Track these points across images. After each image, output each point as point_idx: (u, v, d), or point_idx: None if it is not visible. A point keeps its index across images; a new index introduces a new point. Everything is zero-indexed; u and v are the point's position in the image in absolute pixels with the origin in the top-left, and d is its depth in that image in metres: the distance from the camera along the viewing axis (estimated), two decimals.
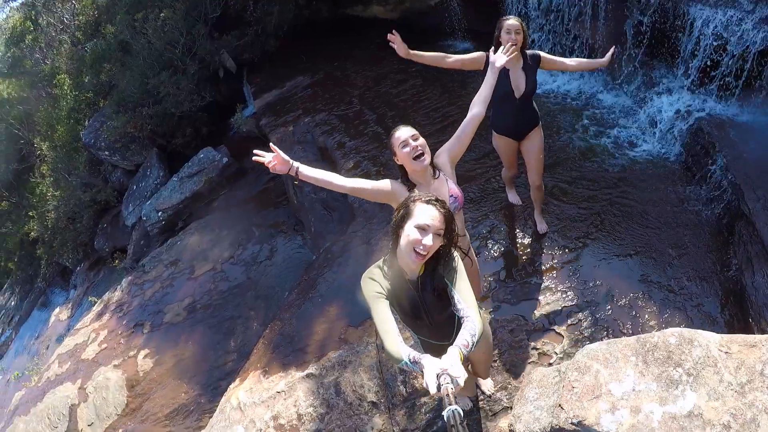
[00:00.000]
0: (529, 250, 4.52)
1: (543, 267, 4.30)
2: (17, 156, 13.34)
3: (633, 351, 2.27)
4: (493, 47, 3.49)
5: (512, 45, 3.38)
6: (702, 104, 5.30)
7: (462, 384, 1.70)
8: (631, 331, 3.65)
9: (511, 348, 3.74)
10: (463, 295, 2.10)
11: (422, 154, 2.66)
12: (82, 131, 10.36)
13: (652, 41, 5.67)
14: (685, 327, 3.40)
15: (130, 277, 7.48)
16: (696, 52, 5.11)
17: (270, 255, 6.52)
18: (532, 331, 3.82)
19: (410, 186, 2.70)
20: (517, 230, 4.72)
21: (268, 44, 9.41)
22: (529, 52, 3.77)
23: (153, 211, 8.44)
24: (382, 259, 2.22)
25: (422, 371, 1.78)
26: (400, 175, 2.75)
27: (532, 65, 3.78)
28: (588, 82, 6.65)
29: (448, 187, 2.88)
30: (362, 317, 4.27)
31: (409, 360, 1.87)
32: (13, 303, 13.41)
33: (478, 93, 2.95)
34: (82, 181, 10.48)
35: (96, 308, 7.43)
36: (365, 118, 7.24)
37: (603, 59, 3.85)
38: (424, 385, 1.72)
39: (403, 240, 2.06)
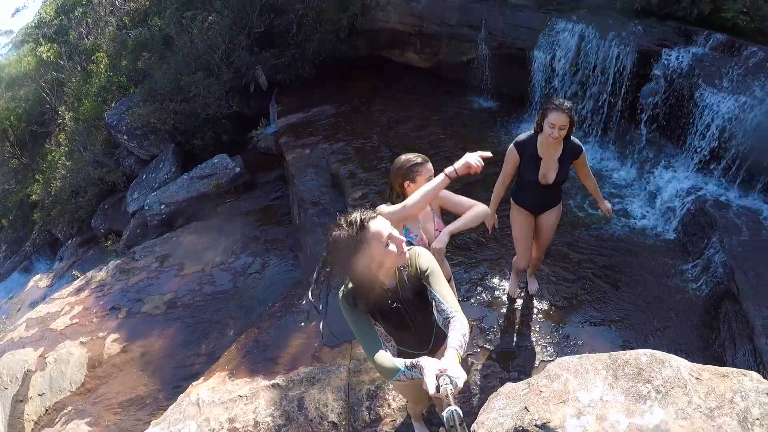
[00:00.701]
0: (516, 302, 4.60)
1: (527, 320, 4.38)
2: (39, 119, 13.47)
3: (604, 365, 2.27)
4: (534, 130, 3.60)
5: (552, 138, 3.42)
6: (703, 186, 5.60)
7: (461, 385, 1.70)
8: None
9: (482, 392, 3.77)
10: (444, 296, 2.10)
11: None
12: (107, 111, 10.55)
13: (664, 122, 6.02)
14: None
15: (118, 261, 7.50)
16: (705, 135, 5.44)
17: (261, 269, 6.56)
18: (505, 379, 3.81)
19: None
20: (508, 282, 4.80)
21: (303, 69, 9.67)
22: (573, 140, 3.59)
23: (156, 203, 8.51)
24: (349, 278, 2.15)
25: (421, 374, 1.78)
26: (398, 195, 2.85)
27: (569, 156, 3.61)
28: (598, 153, 6.88)
29: (434, 222, 2.99)
30: (340, 340, 4.31)
31: (407, 367, 1.89)
32: None
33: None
34: (95, 158, 10.59)
35: (77, 283, 7.42)
36: (380, 154, 7.40)
37: (605, 205, 3.92)
38: (424, 386, 1.72)
39: (388, 260, 2.03)
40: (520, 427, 2.08)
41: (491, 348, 4.13)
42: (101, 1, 13.89)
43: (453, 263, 5.09)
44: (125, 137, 10.07)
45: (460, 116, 8.37)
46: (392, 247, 2.01)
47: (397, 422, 3.60)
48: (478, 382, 3.84)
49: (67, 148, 11.35)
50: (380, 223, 1.99)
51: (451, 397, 1.62)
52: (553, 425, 2.02)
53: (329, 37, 9.45)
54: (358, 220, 1.96)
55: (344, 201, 6.56)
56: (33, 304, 8.36)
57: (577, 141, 3.59)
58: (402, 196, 2.82)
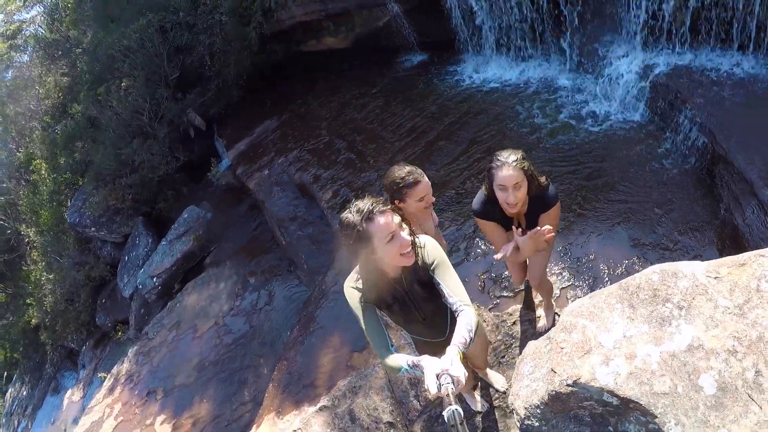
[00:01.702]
0: None
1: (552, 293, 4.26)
2: (6, 247, 13.32)
3: (617, 298, 2.13)
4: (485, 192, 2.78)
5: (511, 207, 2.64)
6: (656, 60, 5.45)
7: (463, 383, 1.70)
8: None
9: (516, 340, 3.78)
10: (451, 287, 2.07)
11: (429, 206, 2.72)
12: (66, 212, 10.42)
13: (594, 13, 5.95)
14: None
15: (135, 347, 7.47)
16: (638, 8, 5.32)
17: (269, 300, 6.56)
18: (533, 319, 3.85)
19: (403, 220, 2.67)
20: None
21: (231, 96, 9.56)
22: (546, 195, 2.73)
23: (148, 278, 8.45)
24: (356, 267, 2.15)
25: (422, 373, 1.78)
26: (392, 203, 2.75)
27: (540, 210, 2.79)
28: (546, 69, 6.85)
29: (432, 217, 2.95)
30: (364, 341, 4.30)
31: (409, 365, 1.88)
32: (24, 393, 13.23)
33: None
34: (73, 261, 10.48)
35: (106, 383, 7.40)
36: (336, 147, 7.37)
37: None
38: (425, 386, 1.71)
39: (388, 257, 1.99)
40: (553, 391, 2.01)
41: (510, 295, 4.13)
42: (17, 111, 13.61)
43: (442, 225, 5.09)
44: (93, 229, 9.96)
45: (397, 80, 8.33)
46: (394, 245, 1.95)
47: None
48: (511, 332, 3.84)
49: (43, 263, 11.23)
50: (388, 217, 1.94)
51: (452, 397, 1.61)
52: (584, 380, 1.94)
53: (243, 54, 9.29)
54: (367, 209, 1.91)
55: (319, 205, 6.55)
56: (75, 421, 8.34)
57: (551, 191, 2.76)
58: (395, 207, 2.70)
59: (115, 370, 7.51)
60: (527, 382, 2.17)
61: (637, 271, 3.75)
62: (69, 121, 10.86)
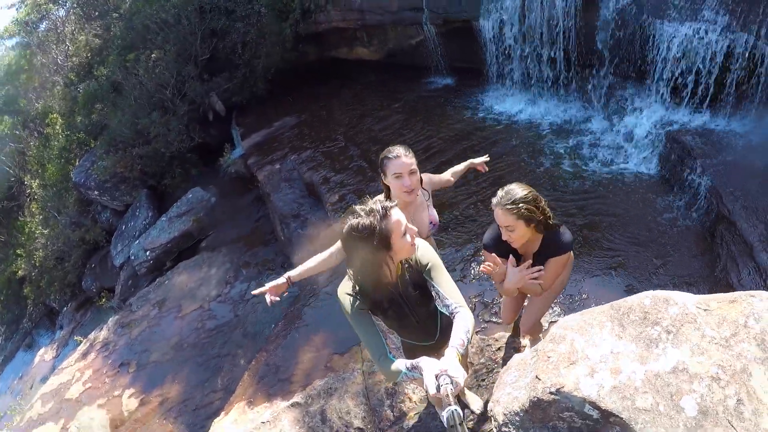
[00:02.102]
0: None
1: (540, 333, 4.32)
2: (7, 193, 13.32)
3: (608, 317, 2.17)
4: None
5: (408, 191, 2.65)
6: (674, 117, 5.63)
7: (462, 383, 1.70)
8: None
9: (498, 366, 3.75)
10: (447, 289, 2.07)
11: (412, 191, 2.66)
12: (73, 170, 10.45)
13: (622, 61, 6.03)
14: None
15: (117, 317, 7.43)
16: (665, 68, 5.46)
17: None
18: (519, 348, 3.83)
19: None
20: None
21: (256, 87, 9.63)
22: (559, 237, 2.63)
23: (141, 251, 8.44)
24: (348, 273, 2.14)
25: (421, 374, 1.78)
26: (384, 190, 2.76)
27: (550, 255, 2.67)
28: (567, 109, 6.92)
29: (429, 213, 2.91)
30: (348, 344, 4.31)
31: (407, 369, 1.88)
32: None
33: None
34: (71, 221, 10.48)
35: (81, 347, 7.35)
36: (350, 153, 7.40)
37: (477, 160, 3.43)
38: (424, 387, 1.71)
39: (404, 251, 2.02)
40: (535, 397, 2.02)
41: (499, 321, 4.13)
42: (43, 62, 13.69)
43: (442, 244, 5.13)
44: (96, 192, 9.97)
45: (420, 99, 8.39)
46: (408, 237, 2.00)
47: (422, 412, 3.61)
48: (494, 357, 3.84)
49: (41, 216, 11.23)
50: (399, 212, 1.98)
51: (451, 397, 1.61)
52: (567, 389, 1.96)
53: (276, 49, 9.40)
54: (380, 208, 1.93)
55: (323, 208, 6.56)
56: (44, 379, 8.29)
57: (565, 238, 2.62)
58: (386, 191, 2.73)
59: (92, 335, 7.46)
60: (509, 390, 2.19)
61: None
62: (93, 82, 10.93)
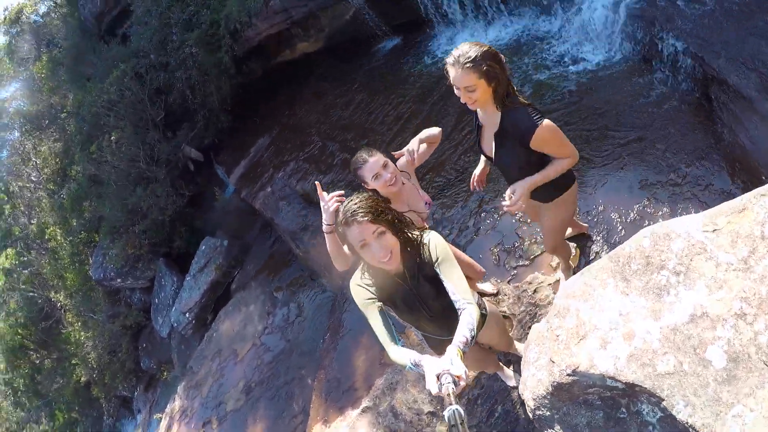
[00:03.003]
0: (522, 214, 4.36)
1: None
2: (40, 315, 13.57)
3: (609, 272, 1.93)
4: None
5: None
6: None
7: (464, 383, 1.67)
8: None
9: (539, 308, 3.68)
10: (455, 284, 2.03)
11: (396, 181, 2.62)
12: (89, 270, 10.57)
13: None
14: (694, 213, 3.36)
15: (183, 383, 7.58)
16: None
17: (299, 312, 6.60)
18: (554, 283, 3.75)
19: (385, 201, 2.46)
20: (505, 194, 4.70)
21: (220, 122, 9.59)
22: (519, 115, 2.35)
23: (180, 315, 8.57)
24: (361, 266, 2.15)
25: (423, 372, 1.76)
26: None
27: (511, 136, 2.44)
28: (518, 23, 6.73)
29: (420, 195, 2.86)
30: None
31: (412, 364, 1.87)
32: None
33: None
34: (107, 315, 10.66)
35: (163, 423, 7.54)
36: (329, 150, 7.38)
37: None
38: (426, 387, 1.70)
39: (369, 262, 2.04)
40: (554, 382, 1.89)
41: (526, 263, 4.02)
42: (21, 185, 13.79)
43: (446, 205, 5.06)
44: (119, 280, 10.10)
45: (375, 70, 8.30)
46: (368, 252, 1.98)
47: (482, 380, 3.58)
48: (532, 301, 3.76)
49: (79, 323, 11.42)
50: (360, 228, 1.95)
51: (452, 396, 1.59)
52: (583, 368, 1.80)
53: (222, 80, 9.30)
54: (344, 213, 1.98)
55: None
56: None
57: (528, 118, 2.34)
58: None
59: (168, 408, 7.64)
60: (533, 371, 2.04)
61: (651, 213, 3.70)
62: (72, 184, 11.02)
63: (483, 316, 2.50)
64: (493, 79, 2.27)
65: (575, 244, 3.83)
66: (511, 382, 3.43)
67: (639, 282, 1.84)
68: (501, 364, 3.46)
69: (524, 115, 2.34)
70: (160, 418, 7.94)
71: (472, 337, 1.89)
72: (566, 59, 5.68)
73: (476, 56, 2.22)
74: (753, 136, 3.59)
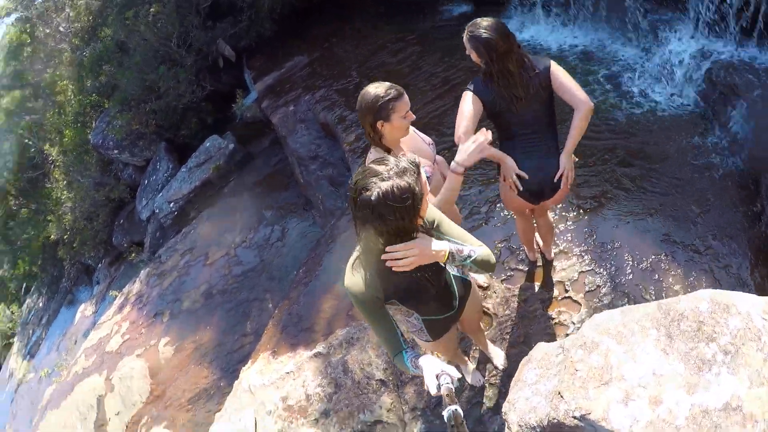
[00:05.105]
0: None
1: (557, 229, 3.84)
2: (30, 164, 13.20)
3: (654, 321, 1.71)
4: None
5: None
6: (716, 47, 4.75)
7: (457, 381, 1.61)
8: (654, 297, 3.22)
9: (524, 318, 3.37)
10: (461, 238, 1.87)
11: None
12: (90, 133, 10.12)
13: None
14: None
15: (147, 269, 7.28)
16: None
17: (282, 236, 6.25)
18: (546, 300, 3.43)
19: (386, 150, 2.31)
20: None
21: (263, 28, 8.98)
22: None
23: (165, 203, 8.20)
24: (354, 258, 1.81)
25: (422, 373, 1.68)
26: (375, 142, 2.33)
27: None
28: (593, 34, 6.20)
29: (421, 137, 2.54)
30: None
31: (412, 366, 1.75)
32: (41, 304, 13.36)
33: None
34: (94, 182, 10.27)
35: (117, 301, 7.27)
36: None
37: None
38: (425, 386, 1.63)
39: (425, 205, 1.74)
40: (555, 419, 1.67)
41: (525, 268, 3.68)
42: (47, 32, 13.13)
43: (464, 185, 4.63)
44: (115, 151, 9.67)
45: (436, 29, 7.72)
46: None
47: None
48: (519, 309, 3.44)
49: (65, 182, 11.03)
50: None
51: (452, 396, 1.54)
52: (594, 417, 1.58)
53: None
54: (411, 164, 1.64)
55: (341, 148, 6.12)
56: (86, 334, 8.26)
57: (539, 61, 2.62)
58: (374, 135, 2.28)
59: (126, 289, 7.36)
60: (527, 394, 1.83)
61: (663, 269, 3.37)
62: (98, 45, 10.44)
63: (469, 285, 2.26)
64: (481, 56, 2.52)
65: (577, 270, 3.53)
66: (470, 379, 3.15)
67: (684, 345, 1.64)
68: (465, 357, 3.18)
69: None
70: (116, 296, 7.65)
71: (469, 258, 1.79)
72: (632, 88, 5.13)
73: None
74: None
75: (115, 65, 9.75)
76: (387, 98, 2.19)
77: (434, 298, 1.99)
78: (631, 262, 3.51)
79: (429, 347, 2.33)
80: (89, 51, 10.71)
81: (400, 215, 1.57)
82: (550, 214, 3.76)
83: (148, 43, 8.89)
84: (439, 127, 5.36)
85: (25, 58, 13.74)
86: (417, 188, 1.58)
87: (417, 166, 1.63)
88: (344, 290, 1.83)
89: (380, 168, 1.58)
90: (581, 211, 3.94)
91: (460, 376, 1.63)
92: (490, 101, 2.56)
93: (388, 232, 1.63)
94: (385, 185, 1.54)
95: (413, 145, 2.47)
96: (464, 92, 2.60)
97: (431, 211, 1.85)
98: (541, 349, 1.98)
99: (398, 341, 1.81)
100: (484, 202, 4.34)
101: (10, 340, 14.54)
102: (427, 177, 2.31)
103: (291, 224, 6.36)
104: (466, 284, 2.17)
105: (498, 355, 3.18)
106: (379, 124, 2.22)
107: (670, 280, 3.33)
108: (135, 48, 9.14)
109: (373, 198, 1.53)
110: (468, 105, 2.54)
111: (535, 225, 3.42)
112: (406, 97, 2.24)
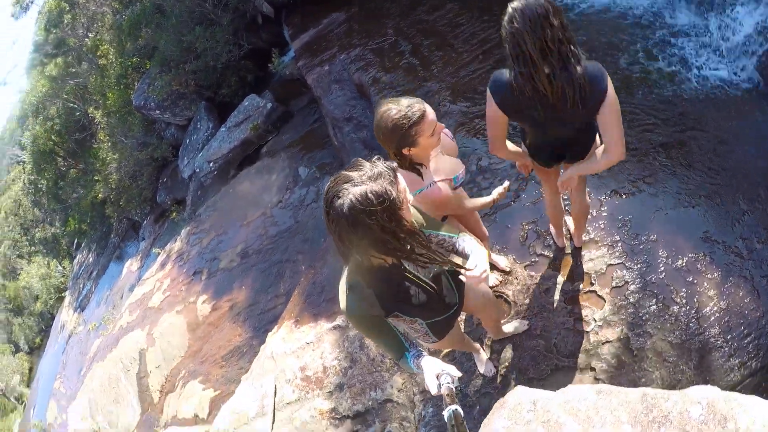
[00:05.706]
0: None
1: (588, 215, 3.42)
2: (77, 126, 13.52)
3: (631, 415, 1.44)
4: None
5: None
6: None
7: (457, 380, 1.59)
8: (685, 302, 2.91)
9: (544, 311, 3.13)
10: (448, 230, 1.90)
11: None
12: (132, 95, 10.23)
13: None
14: (741, 326, 2.72)
15: (188, 228, 7.41)
16: None
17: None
18: (569, 292, 3.15)
19: (417, 169, 2.06)
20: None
21: None
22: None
23: (205, 163, 8.25)
24: (346, 279, 1.67)
25: (423, 373, 1.65)
26: (403, 167, 2.02)
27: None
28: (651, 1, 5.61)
29: (446, 133, 2.26)
30: None
31: (414, 366, 1.71)
32: (91, 259, 13.92)
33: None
34: (138, 142, 10.46)
35: (159, 258, 7.46)
36: (400, 49, 6.58)
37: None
38: (426, 386, 1.62)
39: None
40: None
41: (551, 255, 3.37)
42: None
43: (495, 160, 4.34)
44: (157, 112, 9.76)
45: None
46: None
47: (456, 350, 3.17)
48: (541, 300, 3.20)
49: (109, 143, 11.28)
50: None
51: (452, 396, 1.52)
52: None
53: None
54: (386, 169, 1.51)
55: (371, 109, 5.94)
56: (131, 288, 8.55)
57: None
58: (401, 161, 2.00)
59: (168, 247, 7.53)
60: None
61: (699, 271, 2.99)
62: (136, 7, 10.43)
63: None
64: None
65: (606, 261, 3.26)
66: (482, 369, 3.02)
67: None
68: (479, 347, 3.03)
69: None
70: (158, 253, 7.84)
71: (466, 248, 1.84)
72: (685, 60, 4.50)
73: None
74: None
75: (153, 27, 9.72)
76: (408, 125, 1.89)
77: (436, 299, 1.89)
78: (664, 259, 3.15)
79: (435, 347, 2.23)
80: (128, 14, 10.73)
81: (379, 220, 1.45)
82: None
83: (183, 3, 8.81)
84: (473, 95, 4.99)
85: (66, 25, 13.92)
86: (393, 193, 1.45)
87: (393, 170, 1.49)
88: None
89: (353, 174, 1.46)
90: (617, 195, 3.53)
91: (460, 375, 1.61)
92: (508, 106, 2.12)
93: (376, 240, 1.49)
94: (358, 190, 1.41)
95: (440, 160, 2.19)
96: (488, 88, 2.15)
97: (416, 213, 1.78)
98: (515, 396, 1.85)
99: (400, 344, 1.72)
100: (516, 178, 3.94)
101: (63, 294, 15.32)
102: (461, 184, 2.23)
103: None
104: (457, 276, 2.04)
105: (501, 260, 3.35)
106: (405, 150, 1.97)
107: (705, 284, 2.98)
108: (171, 10, 9.08)
109: (345, 205, 1.41)
110: (491, 110, 2.16)
111: (568, 205, 3.14)
112: (429, 113, 1.93)
